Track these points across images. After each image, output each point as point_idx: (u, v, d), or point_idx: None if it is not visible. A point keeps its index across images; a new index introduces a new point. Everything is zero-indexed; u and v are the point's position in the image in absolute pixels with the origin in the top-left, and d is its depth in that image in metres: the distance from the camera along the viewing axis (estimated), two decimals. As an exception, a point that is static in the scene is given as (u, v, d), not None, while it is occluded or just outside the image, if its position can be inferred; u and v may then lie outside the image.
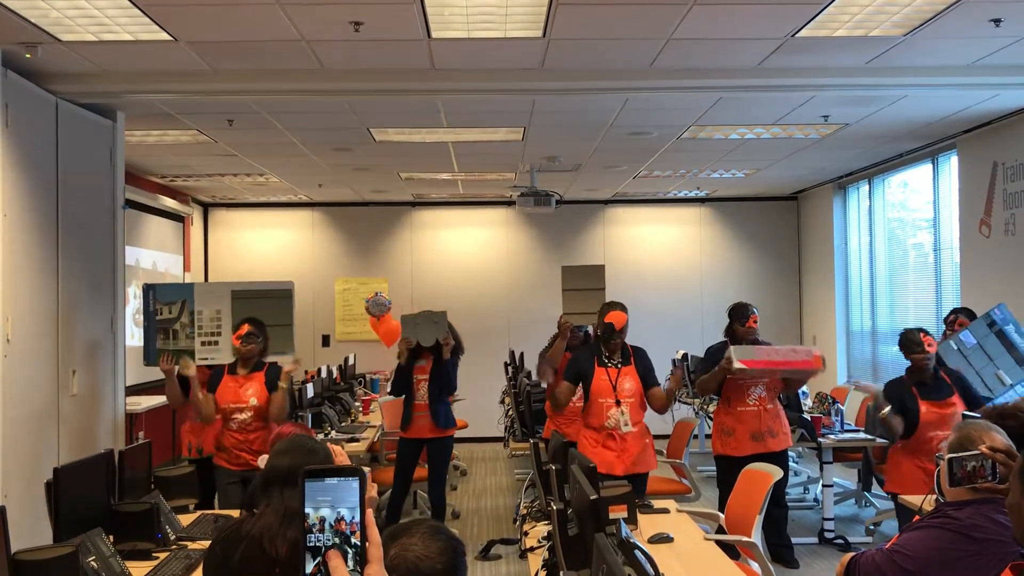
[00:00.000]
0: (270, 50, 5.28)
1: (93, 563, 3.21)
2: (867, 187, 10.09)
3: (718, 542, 3.93)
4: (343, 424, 7.38)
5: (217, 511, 4.68)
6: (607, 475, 4.79)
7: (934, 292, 8.53)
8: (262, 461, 4.87)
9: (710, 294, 11.70)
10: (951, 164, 8.14)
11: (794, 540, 6.18)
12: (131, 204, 7.87)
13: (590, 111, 6.84)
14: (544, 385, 6.38)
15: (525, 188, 9.06)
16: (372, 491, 2.87)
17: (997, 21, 4.80)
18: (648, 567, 2.80)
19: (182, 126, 7.06)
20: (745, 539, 4.15)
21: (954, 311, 6.63)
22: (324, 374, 8.42)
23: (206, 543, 3.56)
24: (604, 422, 5.19)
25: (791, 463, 7.65)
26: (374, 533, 1.17)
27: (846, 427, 6.90)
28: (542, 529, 3.91)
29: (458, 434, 9.65)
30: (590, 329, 6.73)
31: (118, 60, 5.44)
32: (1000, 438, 2.65)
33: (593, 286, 6.79)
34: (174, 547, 3.76)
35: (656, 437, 5.55)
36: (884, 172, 9.61)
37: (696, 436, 9.68)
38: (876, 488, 7.13)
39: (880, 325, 9.85)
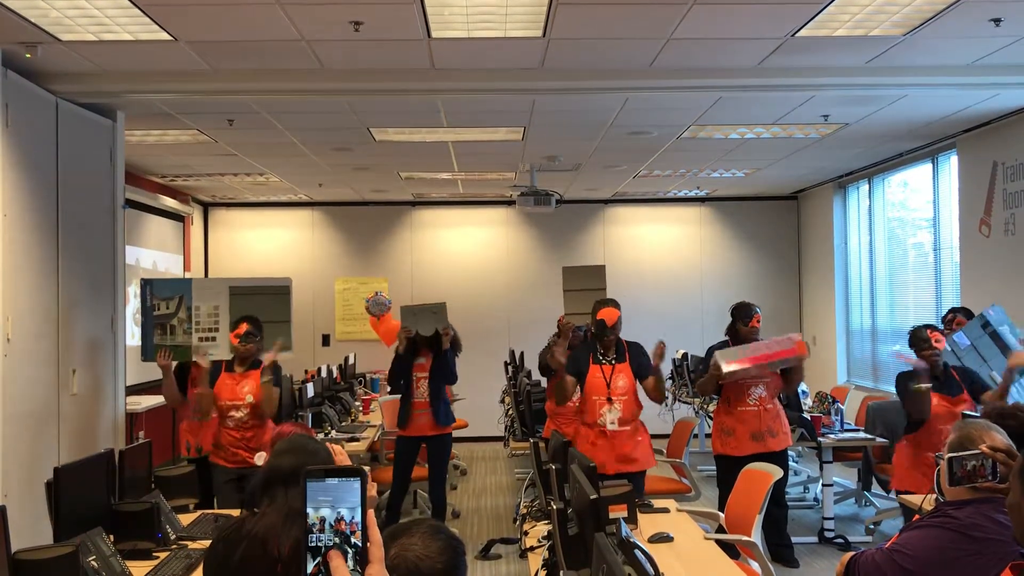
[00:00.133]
0: (270, 50, 5.28)
1: (93, 563, 3.21)
2: (867, 187, 10.09)
3: (718, 541, 3.93)
4: (343, 424, 7.38)
5: (217, 511, 4.68)
6: (599, 475, 4.79)
7: (934, 292, 8.54)
8: (259, 459, 4.88)
9: (710, 293, 11.70)
10: (951, 164, 8.15)
11: (794, 539, 6.18)
12: (131, 204, 7.87)
13: (590, 111, 6.84)
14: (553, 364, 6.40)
15: (525, 188, 9.06)
16: (372, 491, 2.87)
17: (997, 21, 4.80)
18: (648, 567, 2.80)
19: (182, 126, 7.06)
20: (745, 538, 4.15)
21: (952, 310, 6.63)
22: (324, 374, 8.42)
23: (206, 543, 3.56)
24: (596, 419, 5.23)
25: (791, 462, 7.65)
26: (375, 533, 1.17)
27: (846, 427, 6.90)
28: (542, 528, 3.91)
29: (458, 433, 9.69)
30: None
31: (118, 60, 5.44)
32: (1000, 438, 2.66)
33: (594, 286, 6.79)
34: (174, 547, 3.76)
35: (656, 436, 5.56)
36: (884, 172, 9.61)
37: (696, 435, 9.68)
38: (876, 487, 7.13)
39: (880, 324, 9.85)
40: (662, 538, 3.81)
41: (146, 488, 4.15)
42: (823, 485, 6.63)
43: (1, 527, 2.76)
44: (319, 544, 1.14)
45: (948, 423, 5.05)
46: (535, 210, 9.17)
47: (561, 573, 3.05)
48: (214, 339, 6.28)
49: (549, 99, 6.34)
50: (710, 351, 5.98)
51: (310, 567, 1.14)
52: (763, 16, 4.79)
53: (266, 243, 11.78)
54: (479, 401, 10.66)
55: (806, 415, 6.71)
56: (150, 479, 4.28)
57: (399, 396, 6.37)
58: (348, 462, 2.93)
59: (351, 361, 9.98)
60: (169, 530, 3.86)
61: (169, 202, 10.08)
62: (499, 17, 4.73)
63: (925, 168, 8.78)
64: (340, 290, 11.77)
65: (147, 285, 6.42)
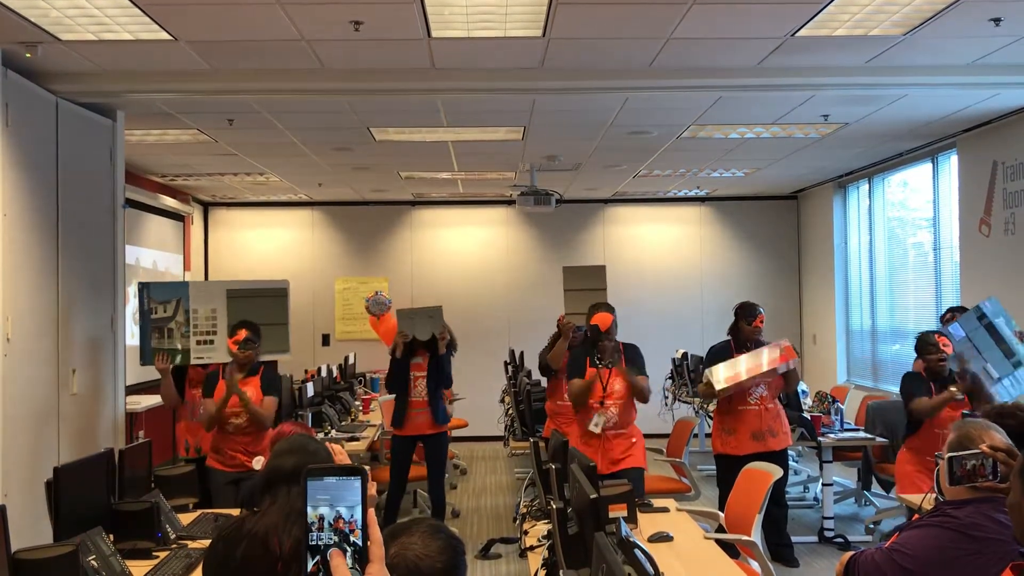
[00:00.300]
0: (270, 49, 5.28)
1: (93, 562, 3.21)
2: (867, 186, 10.09)
3: (718, 541, 3.93)
4: (343, 423, 7.39)
5: (217, 510, 4.68)
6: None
7: (934, 291, 8.54)
8: (257, 463, 4.87)
9: (710, 293, 11.70)
10: (951, 163, 8.14)
11: (794, 539, 6.18)
12: (131, 203, 7.86)
13: (590, 110, 6.84)
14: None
15: (525, 187, 9.06)
16: (372, 490, 2.87)
17: (997, 20, 4.80)
18: (648, 566, 2.80)
19: (182, 125, 7.06)
20: (745, 538, 4.15)
21: (950, 310, 6.63)
22: (324, 373, 8.42)
23: (206, 542, 3.56)
24: (587, 422, 5.23)
25: (791, 462, 7.66)
26: (376, 532, 1.18)
27: (846, 426, 6.91)
28: (542, 528, 3.91)
29: (458, 433, 9.72)
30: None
31: (118, 59, 5.44)
32: (1000, 437, 2.66)
33: (594, 286, 6.79)
34: (174, 546, 3.76)
35: (656, 436, 5.56)
36: (884, 171, 9.61)
37: (696, 435, 9.68)
38: (876, 487, 7.13)
39: (880, 324, 9.85)
40: (662, 537, 3.81)
41: (146, 488, 4.15)
42: (823, 484, 6.63)
43: (1, 527, 2.76)
44: (318, 543, 1.15)
45: (948, 426, 5.05)
46: (535, 210, 9.17)
47: (561, 572, 3.05)
48: (212, 342, 6.28)
49: (549, 99, 6.34)
50: (711, 351, 5.99)
51: (310, 566, 1.14)
52: (763, 16, 4.79)
53: (266, 243, 11.78)
54: (479, 401, 10.66)
55: (806, 415, 6.71)
56: (150, 479, 4.28)
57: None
58: (348, 462, 2.93)
59: (351, 361, 9.98)
60: (169, 530, 3.86)
61: (169, 202, 10.08)
62: (499, 17, 4.73)
63: (925, 168, 8.78)
64: (340, 290, 11.77)
65: (144, 289, 6.42)
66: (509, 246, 11.88)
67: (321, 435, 6.47)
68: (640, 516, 4.04)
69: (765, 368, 5.64)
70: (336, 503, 1.15)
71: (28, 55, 5.10)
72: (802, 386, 6.75)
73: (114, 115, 6.41)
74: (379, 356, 11.11)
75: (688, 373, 9.25)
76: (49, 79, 5.56)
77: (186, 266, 10.85)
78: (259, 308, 6.15)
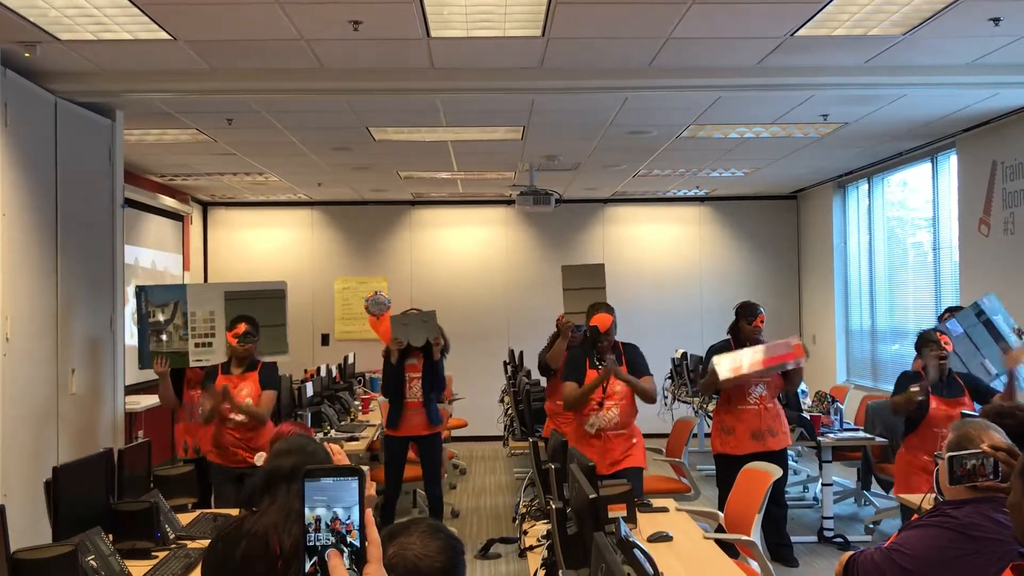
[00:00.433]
0: (269, 49, 5.28)
1: (92, 562, 3.21)
2: (866, 186, 10.09)
3: (717, 541, 3.93)
4: (342, 423, 7.38)
5: (216, 510, 4.68)
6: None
7: (933, 291, 8.54)
8: (259, 459, 4.88)
9: (710, 293, 11.70)
10: (950, 163, 8.14)
11: (793, 539, 6.18)
12: (130, 203, 7.86)
13: (589, 110, 6.83)
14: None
15: (524, 187, 9.06)
16: (371, 490, 2.87)
17: (996, 20, 4.80)
18: (647, 566, 2.80)
19: (181, 125, 7.06)
20: (744, 538, 4.15)
21: (948, 310, 6.64)
22: (323, 373, 8.42)
23: (205, 542, 3.56)
24: (585, 422, 5.22)
25: (790, 462, 7.66)
26: (373, 533, 1.17)
27: (845, 426, 6.90)
28: (541, 528, 3.91)
29: (457, 433, 9.72)
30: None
31: (117, 59, 5.44)
32: (999, 437, 2.65)
33: (594, 285, 6.78)
34: (173, 546, 3.76)
35: (656, 436, 5.55)
36: (883, 171, 9.61)
37: (695, 435, 9.68)
38: (875, 487, 7.13)
39: (879, 324, 9.85)
40: (661, 537, 3.81)
41: (145, 488, 4.15)
42: (822, 484, 6.63)
43: (0, 526, 2.75)
44: (316, 543, 1.14)
45: (945, 425, 5.05)
46: (534, 209, 9.17)
47: (560, 572, 3.05)
48: (210, 344, 6.28)
49: (548, 98, 6.34)
50: (710, 351, 5.98)
51: (307, 566, 1.14)
52: (762, 15, 4.79)
53: (265, 242, 11.78)
54: (479, 401, 10.67)
55: (805, 414, 6.71)
56: (149, 478, 4.28)
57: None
58: (347, 462, 2.93)
59: (350, 360, 9.98)
60: (168, 529, 3.86)
61: (168, 201, 10.07)
62: (498, 16, 4.73)
63: (924, 167, 8.78)
64: (339, 289, 11.77)
65: (142, 292, 6.41)
66: (508, 246, 11.88)
67: (320, 435, 6.47)
68: (639, 516, 4.04)
69: (771, 362, 5.60)
70: (333, 504, 1.15)
71: (27, 55, 5.10)
72: (801, 386, 6.74)
73: (113, 115, 6.41)
74: (378, 356, 11.06)
75: (688, 373, 9.25)
76: (48, 79, 5.56)
77: (185, 266, 10.85)
78: (257, 310, 6.15)
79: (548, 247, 11.81)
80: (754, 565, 4.11)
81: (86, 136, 6.09)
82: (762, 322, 5.89)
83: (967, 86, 5.99)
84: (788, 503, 6.47)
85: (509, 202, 11.48)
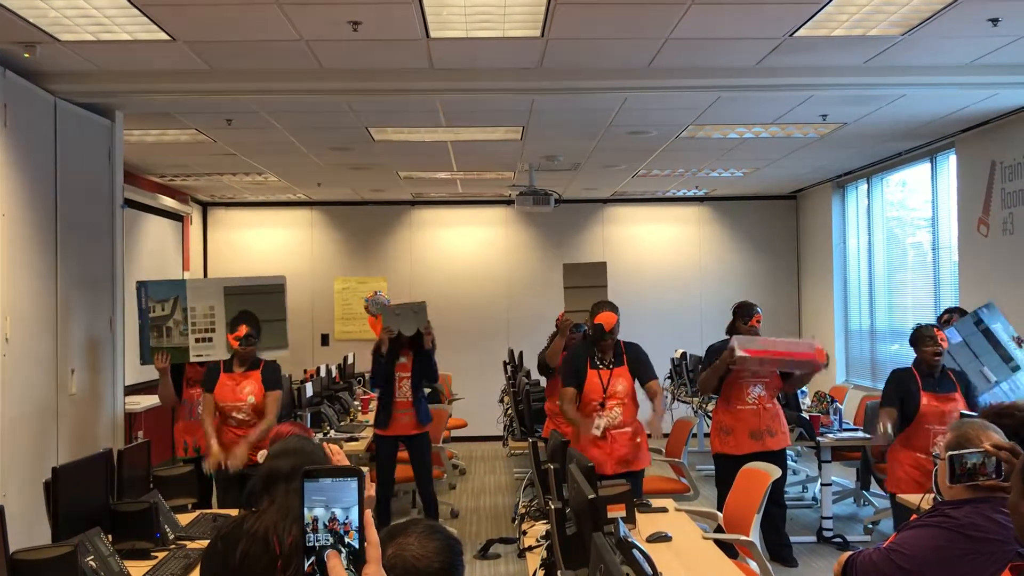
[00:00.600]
0: (269, 50, 5.28)
1: (92, 563, 3.21)
2: (866, 186, 10.09)
3: (717, 541, 3.93)
4: (342, 423, 7.38)
5: (216, 510, 4.68)
6: (598, 474, 4.79)
7: (932, 291, 8.54)
8: (262, 456, 4.88)
9: (709, 293, 11.71)
10: (950, 163, 8.15)
11: (793, 539, 6.19)
12: (130, 203, 7.86)
13: (589, 110, 6.84)
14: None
15: (524, 187, 9.06)
16: (370, 491, 2.88)
17: (995, 21, 4.80)
18: (646, 566, 2.80)
19: (181, 125, 7.06)
20: (743, 538, 4.15)
21: (948, 310, 6.64)
22: (323, 373, 8.42)
23: (205, 542, 3.56)
24: (592, 427, 5.21)
25: (790, 462, 7.66)
26: (372, 533, 1.18)
27: (844, 426, 6.91)
28: (541, 528, 3.91)
29: (457, 433, 9.72)
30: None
31: (116, 60, 5.44)
32: (997, 437, 2.66)
33: (595, 283, 6.78)
34: (173, 546, 3.76)
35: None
36: (883, 171, 9.62)
37: (695, 435, 9.69)
38: (875, 487, 7.14)
39: (878, 324, 9.85)
40: (660, 538, 3.81)
41: (144, 488, 4.15)
42: (822, 484, 6.64)
43: (-1, 527, 2.76)
44: (314, 544, 1.15)
45: (937, 421, 5.07)
46: (534, 210, 9.17)
47: (559, 573, 3.05)
48: (210, 340, 6.28)
49: (548, 99, 6.34)
50: (710, 350, 5.99)
51: (306, 566, 1.14)
52: (761, 16, 4.79)
53: (265, 243, 11.78)
54: (478, 400, 10.67)
55: (805, 414, 6.71)
56: (148, 479, 4.28)
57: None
58: (346, 462, 2.93)
59: (350, 361, 9.98)
60: (167, 530, 3.86)
61: (168, 202, 10.07)
62: (497, 17, 4.73)
63: (924, 168, 8.78)
64: (339, 290, 11.77)
65: (142, 287, 6.42)
66: (508, 246, 11.88)
67: (320, 435, 6.48)
68: (639, 516, 4.05)
69: (788, 355, 5.58)
70: (332, 504, 1.15)
71: (27, 55, 5.11)
72: (802, 386, 6.75)
73: (113, 115, 6.41)
74: (378, 356, 11.13)
75: (687, 373, 9.25)
76: (48, 79, 5.57)
77: (185, 266, 10.85)
78: (256, 304, 6.15)
79: (548, 247, 11.82)
80: (753, 565, 4.11)
81: (86, 136, 6.10)
82: (758, 321, 5.89)
83: (966, 86, 6.00)
84: (787, 503, 6.47)
85: (509, 202, 11.48)
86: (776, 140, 8.04)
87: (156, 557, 3.62)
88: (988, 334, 5.49)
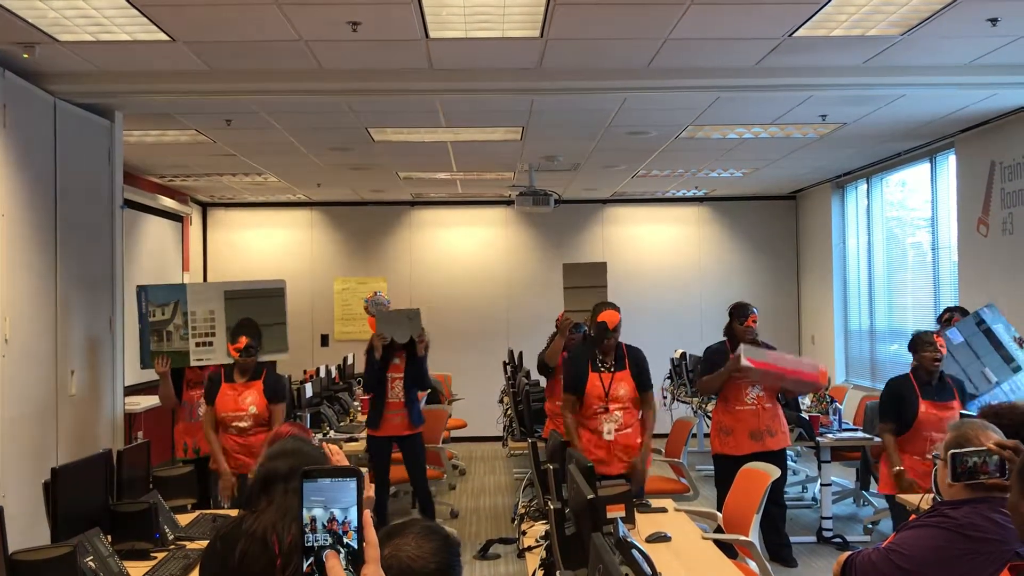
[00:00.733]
0: (268, 50, 5.28)
1: (91, 563, 3.21)
2: (865, 186, 10.09)
3: (716, 541, 3.93)
4: (341, 424, 7.38)
5: (215, 511, 4.68)
6: (603, 475, 4.79)
7: (932, 291, 8.54)
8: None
9: (709, 293, 11.71)
10: (949, 163, 8.15)
11: (792, 539, 6.19)
12: (129, 204, 7.86)
13: (588, 111, 6.84)
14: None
15: (524, 187, 9.07)
16: (369, 491, 2.88)
17: (994, 21, 4.80)
18: (646, 566, 2.80)
19: (180, 126, 7.06)
20: (743, 538, 4.15)
21: (948, 310, 6.65)
22: (323, 374, 8.42)
23: (204, 543, 3.56)
24: (597, 426, 5.18)
25: (789, 462, 7.66)
26: (371, 534, 1.17)
27: (844, 426, 6.91)
28: (540, 528, 3.91)
29: (457, 433, 9.72)
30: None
31: (116, 60, 5.44)
32: (997, 437, 2.66)
33: (595, 283, 6.79)
34: (172, 547, 3.76)
35: (655, 436, 5.53)
36: (882, 171, 9.62)
37: (694, 435, 9.68)
38: (874, 487, 7.13)
39: (878, 324, 9.85)
40: (660, 538, 3.81)
41: (144, 488, 4.15)
42: (821, 484, 6.64)
43: (-2, 527, 2.76)
44: (313, 544, 1.15)
45: (934, 429, 5.07)
46: (534, 210, 9.17)
47: (558, 573, 3.05)
48: (211, 344, 6.29)
49: (547, 99, 6.34)
50: (707, 352, 5.99)
51: (304, 566, 1.14)
52: (761, 16, 4.79)
53: (265, 243, 11.78)
54: (478, 401, 10.67)
55: (804, 415, 6.71)
56: (148, 479, 4.28)
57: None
58: (345, 462, 2.93)
59: (350, 361, 9.97)
60: (167, 530, 3.86)
61: (167, 202, 10.07)
62: (497, 17, 4.73)
63: (923, 168, 8.78)
64: (339, 290, 11.77)
65: (142, 292, 6.42)
66: (508, 246, 11.88)
67: (319, 436, 6.47)
68: (638, 516, 4.05)
69: (792, 373, 5.64)
70: (331, 504, 1.15)
71: (26, 56, 5.11)
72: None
73: (112, 115, 6.41)
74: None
75: (687, 373, 9.25)
76: (47, 80, 5.57)
77: (185, 267, 10.85)
78: (257, 308, 6.16)
79: (547, 247, 11.82)
80: (753, 565, 4.11)
81: (85, 137, 6.10)
82: (754, 322, 5.89)
83: (965, 86, 6.00)
84: (787, 503, 6.47)
85: (508, 202, 11.48)
86: (775, 140, 8.04)
87: (155, 558, 3.62)
88: (990, 335, 5.50)
